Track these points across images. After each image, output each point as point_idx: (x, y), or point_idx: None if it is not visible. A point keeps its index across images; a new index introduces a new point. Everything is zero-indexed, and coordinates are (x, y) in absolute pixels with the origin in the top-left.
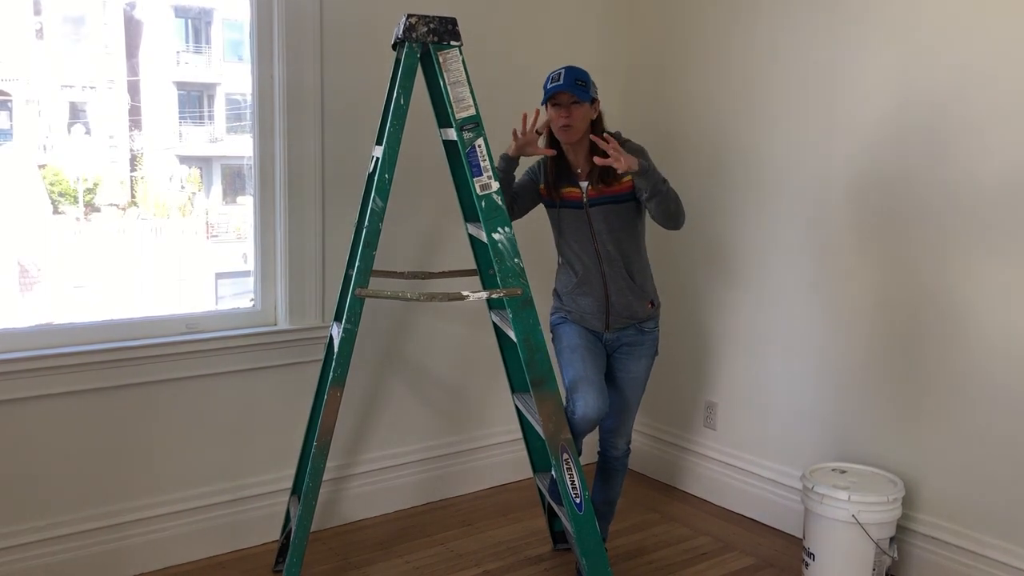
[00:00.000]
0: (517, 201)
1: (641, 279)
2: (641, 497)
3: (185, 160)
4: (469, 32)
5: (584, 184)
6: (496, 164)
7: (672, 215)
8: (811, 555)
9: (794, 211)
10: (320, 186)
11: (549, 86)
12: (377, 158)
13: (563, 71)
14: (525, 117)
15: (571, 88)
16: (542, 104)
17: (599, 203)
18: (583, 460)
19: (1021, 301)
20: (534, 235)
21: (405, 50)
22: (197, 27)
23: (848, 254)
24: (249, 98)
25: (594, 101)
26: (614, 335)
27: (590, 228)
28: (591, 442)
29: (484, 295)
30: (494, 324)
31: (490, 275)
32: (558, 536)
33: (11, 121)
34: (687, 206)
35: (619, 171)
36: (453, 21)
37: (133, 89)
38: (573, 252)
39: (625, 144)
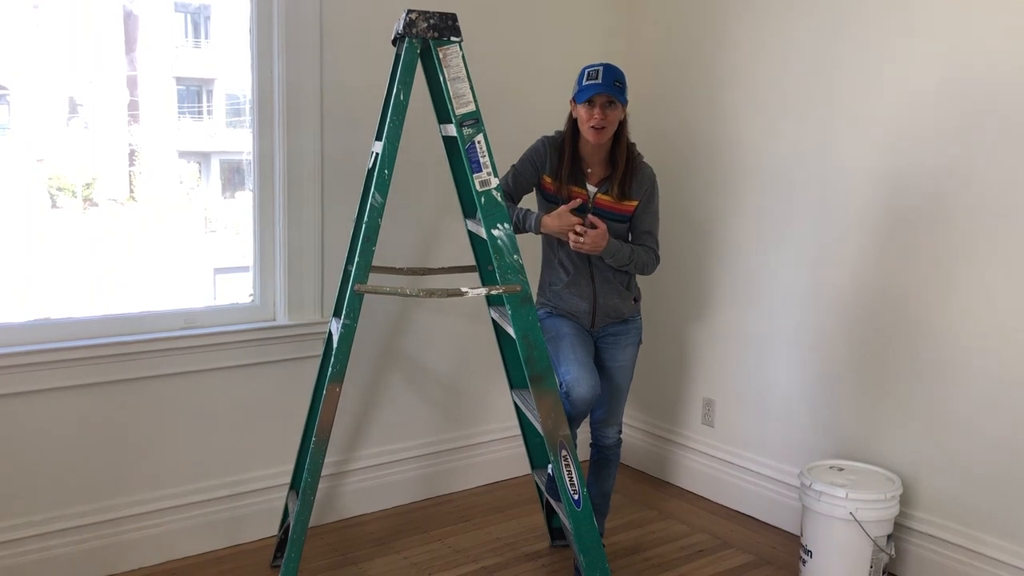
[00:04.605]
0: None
1: (627, 280)
2: (639, 494)
3: (184, 155)
4: (469, 28)
5: (592, 189)
6: (519, 216)
7: (630, 275)
8: (809, 552)
9: (794, 209)
10: (319, 181)
11: (585, 83)
12: (377, 154)
13: (601, 68)
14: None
15: (609, 89)
16: (574, 100)
17: (602, 214)
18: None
19: (1018, 300)
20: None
21: (405, 46)
22: (196, 21)
23: (847, 252)
24: (248, 93)
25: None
26: (600, 328)
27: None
28: (583, 437)
29: (483, 291)
30: (493, 320)
31: (489, 271)
32: (556, 532)
33: (9, 115)
34: (687, 206)
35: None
36: (453, 17)
37: (131, 84)
38: (565, 251)
39: (637, 158)
